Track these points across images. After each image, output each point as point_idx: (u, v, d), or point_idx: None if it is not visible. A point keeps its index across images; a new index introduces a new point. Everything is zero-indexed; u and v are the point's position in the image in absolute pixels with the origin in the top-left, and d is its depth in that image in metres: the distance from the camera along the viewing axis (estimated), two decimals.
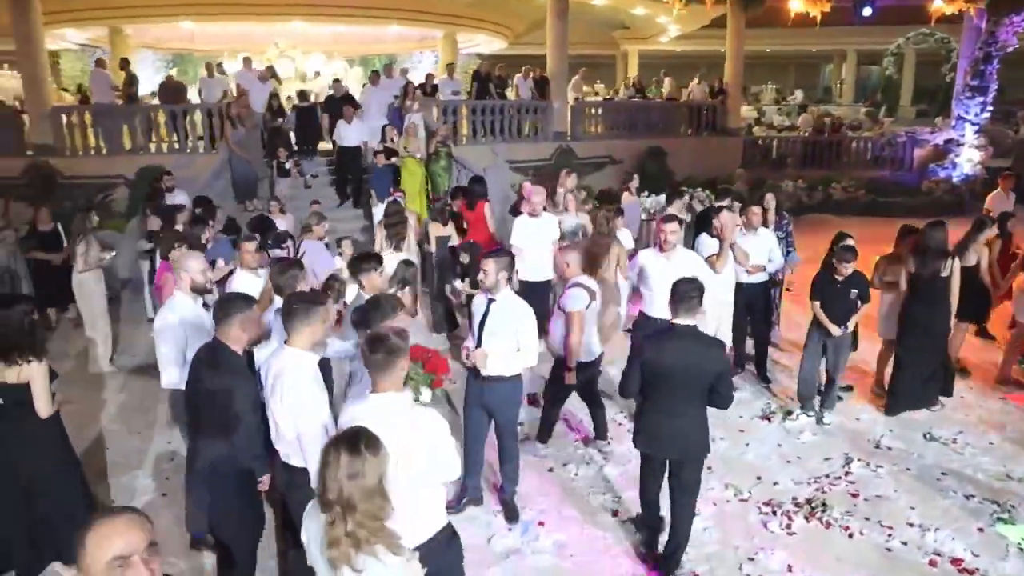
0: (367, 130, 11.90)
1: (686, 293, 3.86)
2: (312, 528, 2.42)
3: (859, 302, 5.86)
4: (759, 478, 5.27)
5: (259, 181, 11.65)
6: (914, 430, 5.99)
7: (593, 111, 16.26)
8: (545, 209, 7.57)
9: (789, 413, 6.23)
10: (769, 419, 6.21)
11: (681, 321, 3.90)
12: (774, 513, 4.84)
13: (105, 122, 12.43)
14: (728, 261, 6.35)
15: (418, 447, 2.84)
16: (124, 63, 13.11)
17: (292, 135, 12.56)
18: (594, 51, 24.45)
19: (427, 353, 4.04)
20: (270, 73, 13.44)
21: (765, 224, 7.09)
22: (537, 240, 7.27)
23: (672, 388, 3.89)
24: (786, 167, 17.18)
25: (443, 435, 2.96)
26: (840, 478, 5.27)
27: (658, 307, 5.24)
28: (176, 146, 12.63)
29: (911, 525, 4.71)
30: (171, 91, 12.68)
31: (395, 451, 2.51)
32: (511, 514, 4.80)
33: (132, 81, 12.81)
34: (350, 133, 11.78)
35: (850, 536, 4.61)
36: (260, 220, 8.23)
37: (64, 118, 12.33)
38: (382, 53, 26.16)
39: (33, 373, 3.85)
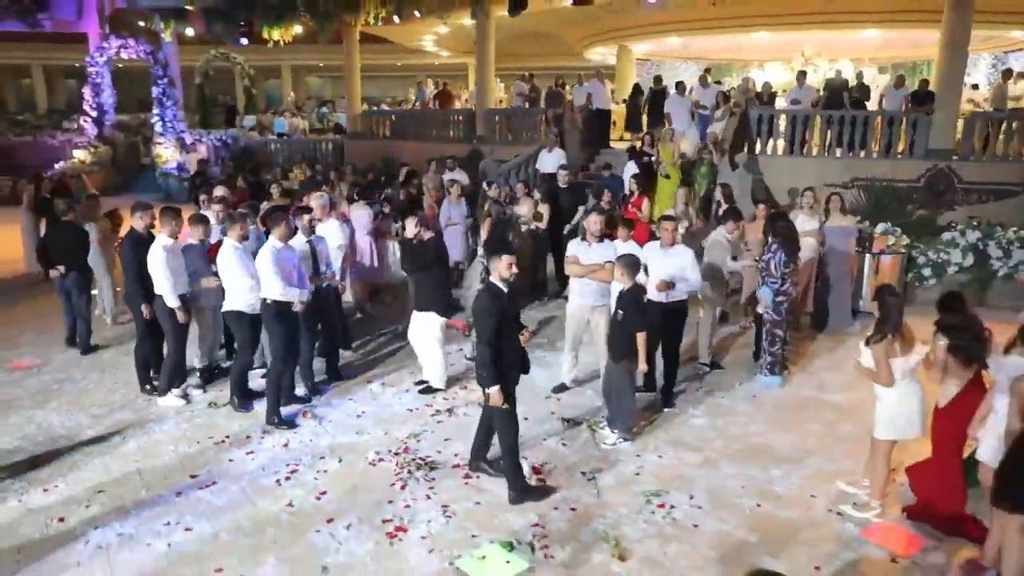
0: (564, 158, 12.35)
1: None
2: None
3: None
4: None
5: None
6: None
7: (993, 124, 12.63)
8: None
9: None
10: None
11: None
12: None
13: (513, 121, 16.38)
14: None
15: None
16: (530, 76, 17.01)
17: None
18: None
19: None
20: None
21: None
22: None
23: None
24: None
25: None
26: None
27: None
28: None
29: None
30: (552, 97, 15.89)
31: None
32: None
33: (533, 89, 16.58)
34: (549, 161, 12.27)
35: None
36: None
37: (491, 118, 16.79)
38: (919, 58, 23.70)
39: None
